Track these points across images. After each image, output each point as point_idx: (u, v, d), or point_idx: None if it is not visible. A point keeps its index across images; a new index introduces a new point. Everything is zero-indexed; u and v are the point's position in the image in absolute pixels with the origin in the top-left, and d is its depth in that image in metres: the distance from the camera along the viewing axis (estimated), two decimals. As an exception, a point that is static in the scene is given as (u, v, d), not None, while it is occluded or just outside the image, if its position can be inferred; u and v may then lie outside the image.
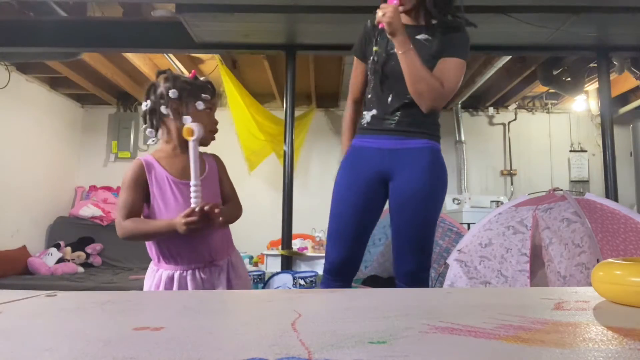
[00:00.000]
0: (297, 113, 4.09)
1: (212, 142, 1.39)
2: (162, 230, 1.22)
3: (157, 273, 1.28)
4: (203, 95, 1.32)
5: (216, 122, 1.36)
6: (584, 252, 2.29)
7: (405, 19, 1.57)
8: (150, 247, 1.30)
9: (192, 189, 1.21)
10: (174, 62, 4.25)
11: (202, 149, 1.35)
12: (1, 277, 3.99)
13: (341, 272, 1.59)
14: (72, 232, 4.87)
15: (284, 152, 3.47)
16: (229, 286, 1.29)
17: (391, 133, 1.55)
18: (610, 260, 0.70)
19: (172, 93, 1.27)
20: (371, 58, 1.60)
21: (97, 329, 0.52)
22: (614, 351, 0.41)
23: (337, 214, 1.60)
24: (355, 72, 1.73)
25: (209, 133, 1.34)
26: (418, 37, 1.55)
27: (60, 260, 4.49)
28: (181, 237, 1.21)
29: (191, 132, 1.23)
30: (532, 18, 2.90)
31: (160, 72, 1.35)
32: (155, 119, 1.33)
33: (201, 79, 1.36)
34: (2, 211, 4.29)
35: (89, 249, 4.76)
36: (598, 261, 2.07)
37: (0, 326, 0.54)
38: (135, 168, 1.27)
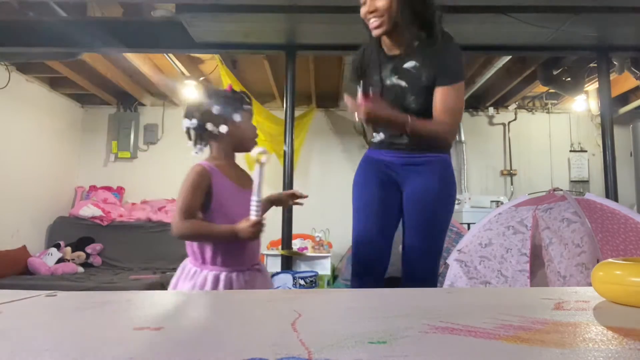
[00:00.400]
0: (297, 113, 4.09)
1: (261, 151, 1.47)
2: (225, 235, 1.29)
3: (200, 274, 1.33)
4: (244, 106, 1.40)
5: (255, 129, 1.44)
6: (584, 252, 2.29)
7: (389, 47, 1.53)
8: (195, 249, 1.34)
9: (254, 204, 1.27)
10: (174, 62, 4.24)
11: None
12: (1, 277, 3.98)
13: (368, 268, 1.59)
14: (72, 232, 4.86)
15: (284, 152, 3.48)
16: (261, 288, 1.38)
17: (402, 150, 1.55)
18: (610, 260, 0.70)
19: (216, 110, 1.35)
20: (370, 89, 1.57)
21: (97, 329, 0.52)
22: (614, 351, 0.41)
23: (357, 209, 1.62)
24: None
25: (251, 141, 1.43)
26: (406, 66, 1.50)
27: (60, 260, 4.49)
28: (235, 242, 1.31)
29: (262, 158, 1.29)
30: (532, 18, 2.90)
31: (203, 86, 1.45)
32: (204, 135, 1.39)
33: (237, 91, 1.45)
34: (2, 211, 4.29)
35: (89, 249, 4.76)
36: (598, 261, 2.07)
37: (0, 326, 0.54)
38: (200, 172, 1.32)
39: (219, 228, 1.30)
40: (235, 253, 1.34)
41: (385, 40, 1.54)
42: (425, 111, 1.47)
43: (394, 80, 1.51)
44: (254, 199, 1.26)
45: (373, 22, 1.46)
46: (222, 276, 1.32)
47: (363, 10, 1.48)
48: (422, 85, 1.47)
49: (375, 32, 1.48)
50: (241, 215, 1.28)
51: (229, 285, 1.31)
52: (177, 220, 1.28)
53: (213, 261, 1.33)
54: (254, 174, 1.29)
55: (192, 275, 1.33)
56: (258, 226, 1.26)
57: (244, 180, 1.40)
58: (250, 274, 1.36)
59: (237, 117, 1.37)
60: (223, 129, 1.36)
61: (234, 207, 1.33)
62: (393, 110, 1.44)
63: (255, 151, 1.30)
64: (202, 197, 1.31)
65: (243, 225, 1.26)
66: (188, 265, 1.37)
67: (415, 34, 1.47)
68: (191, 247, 1.36)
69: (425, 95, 1.47)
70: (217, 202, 1.32)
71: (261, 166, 1.27)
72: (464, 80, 1.54)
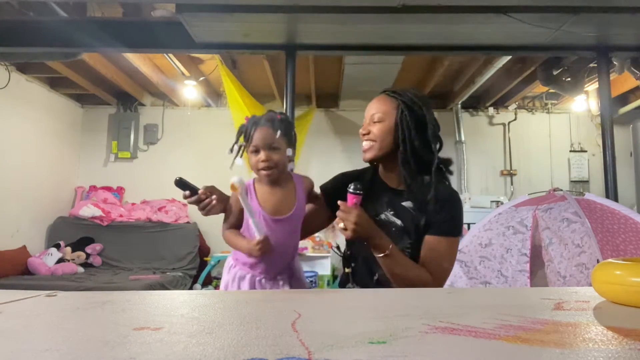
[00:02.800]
0: (297, 113, 4.09)
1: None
2: (243, 250, 1.35)
3: (233, 269, 1.40)
4: (239, 143, 1.39)
5: (260, 160, 1.36)
6: (584, 252, 2.29)
7: (386, 177, 1.40)
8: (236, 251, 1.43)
9: (251, 225, 1.29)
10: (174, 62, 4.24)
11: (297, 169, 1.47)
12: (1, 277, 3.99)
13: None
14: (72, 232, 4.87)
15: (284, 152, 3.47)
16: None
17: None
18: (610, 260, 0.70)
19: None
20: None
21: (97, 329, 0.52)
22: (614, 351, 0.41)
23: None
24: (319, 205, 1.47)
25: (253, 168, 1.41)
26: (404, 204, 1.33)
27: (60, 261, 4.49)
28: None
29: (233, 187, 1.29)
30: (532, 18, 2.90)
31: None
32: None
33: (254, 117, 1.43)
34: (2, 211, 4.29)
35: (89, 249, 4.76)
36: (598, 261, 2.07)
37: (0, 326, 0.54)
38: (243, 187, 1.36)
39: (240, 244, 1.36)
40: (253, 261, 1.38)
41: (382, 170, 1.41)
42: (417, 258, 1.30)
43: (390, 215, 1.33)
44: (250, 221, 1.30)
45: (364, 144, 1.36)
46: (248, 277, 1.37)
47: (360, 130, 1.39)
48: (420, 230, 1.29)
49: (363, 156, 1.38)
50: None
51: (252, 287, 1.37)
52: (223, 228, 1.41)
53: (241, 264, 1.40)
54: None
55: (229, 268, 1.42)
56: (262, 244, 1.28)
57: (281, 206, 1.36)
58: (275, 282, 1.38)
59: (249, 147, 1.37)
60: (238, 154, 1.39)
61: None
62: (376, 228, 1.24)
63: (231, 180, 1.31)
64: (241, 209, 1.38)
65: (250, 245, 1.31)
66: (230, 258, 1.44)
67: (412, 172, 1.31)
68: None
69: (421, 242, 1.29)
70: (245, 219, 1.38)
71: (242, 198, 1.28)
72: (460, 237, 1.36)
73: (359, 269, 1.38)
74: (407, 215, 1.31)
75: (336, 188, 1.42)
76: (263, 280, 1.38)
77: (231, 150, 1.41)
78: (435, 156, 1.32)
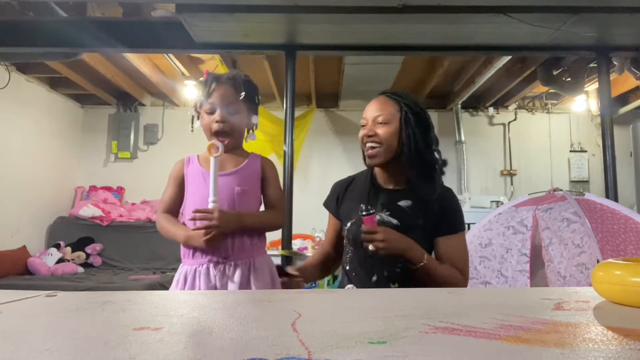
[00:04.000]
0: (297, 113, 4.08)
1: (212, 142, 1.38)
2: (177, 239, 1.25)
3: (180, 270, 1.29)
4: (202, 97, 1.30)
5: (216, 118, 1.27)
6: (584, 252, 2.29)
7: (382, 179, 1.41)
8: (181, 245, 1.32)
9: (209, 205, 1.19)
10: (174, 62, 4.24)
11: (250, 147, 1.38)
12: (1, 277, 3.99)
13: None
14: (72, 232, 4.87)
15: (284, 152, 3.47)
16: (246, 288, 1.26)
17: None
18: (610, 260, 0.70)
19: (195, 97, 1.36)
20: (348, 224, 1.39)
21: (97, 329, 0.52)
22: (614, 351, 0.41)
23: None
24: (329, 220, 1.52)
25: (206, 129, 1.29)
26: (401, 203, 1.35)
27: (60, 261, 4.49)
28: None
29: (211, 150, 1.20)
30: (532, 18, 2.89)
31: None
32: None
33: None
34: (2, 211, 4.29)
35: (89, 249, 4.76)
36: (598, 261, 2.07)
37: (0, 326, 0.54)
38: (177, 164, 1.31)
39: (174, 230, 1.25)
40: (191, 248, 1.26)
41: (378, 171, 1.42)
42: None
43: (384, 216, 1.34)
44: (210, 199, 1.18)
45: (369, 149, 1.34)
46: (191, 270, 1.26)
47: (362, 132, 1.36)
48: (417, 228, 1.31)
49: (369, 162, 1.36)
50: (200, 206, 1.20)
51: (198, 279, 1.24)
52: (157, 213, 1.31)
53: (189, 256, 1.28)
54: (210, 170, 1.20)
55: (177, 273, 1.31)
56: (211, 233, 1.16)
57: (226, 168, 1.28)
58: (226, 268, 1.25)
59: (204, 104, 1.27)
60: (196, 116, 1.31)
61: (194, 196, 1.26)
62: (406, 237, 1.25)
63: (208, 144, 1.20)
64: (177, 188, 1.29)
65: (196, 232, 1.19)
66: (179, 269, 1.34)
67: (414, 174, 1.33)
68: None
69: (420, 240, 1.29)
70: (187, 192, 1.28)
71: (214, 160, 1.17)
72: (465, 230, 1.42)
73: (358, 272, 1.39)
74: (404, 214, 1.33)
75: (336, 196, 1.47)
76: (210, 268, 1.23)
77: (194, 111, 1.32)
78: (439, 157, 1.36)
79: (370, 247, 1.21)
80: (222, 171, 1.25)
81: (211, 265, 1.24)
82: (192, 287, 1.23)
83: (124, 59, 4.16)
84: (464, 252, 1.35)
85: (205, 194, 1.21)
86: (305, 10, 2.93)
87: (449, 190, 1.40)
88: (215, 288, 1.23)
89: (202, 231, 1.18)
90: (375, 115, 1.35)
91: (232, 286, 1.24)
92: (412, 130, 1.32)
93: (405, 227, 1.30)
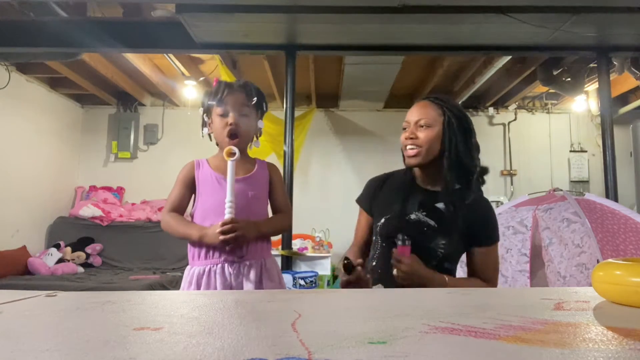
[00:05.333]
0: (297, 113, 4.09)
1: (213, 143, 1.43)
2: (191, 237, 1.28)
3: (190, 271, 1.32)
4: (209, 102, 1.36)
5: (228, 125, 1.33)
6: (584, 252, 2.29)
7: (421, 178, 1.42)
8: (188, 247, 1.35)
9: (227, 204, 1.25)
10: (174, 62, 4.24)
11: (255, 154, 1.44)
12: (1, 277, 3.99)
13: None
14: (72, 232, 4.87)
15: (284, 152, 3.47)
16: (260, 287, 1.31)
17: None
18: (610, 260, 0.70)
19: (203, 104, 1.38)
20: (382, 220, 1.40)
21: (97, 329, 0.52)
22: (614, 351, 0.41)
23: None
24: (360, 216, 1.54)
25: (220, 136, 1.36)
26: (438, 205, 1.36)
27: (60, 261, 4.49)
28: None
29: (230, 153, 1.27)
30: (532, 18, 2.90)
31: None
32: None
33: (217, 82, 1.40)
34: (2, 211, 4.29)
35: (89, 249, 4.76)
36: (598, 261, 2.07)
37: (0, 326, 0.54)
38: (187, 166, 1.36)
39: (187, 229, 1.28)
40: (206, 247, 1.30)
41: (417, 171, 1.43)
42: (449, 258, 1.36)
43: (420, 216, 1.35)
44: (227, 199, 1.24)
45: (410, 149, 1.36)
46: (206, 270, 1.29)
47: (403, 135, 1.39)
48: (454, 231, 1.33)
49: (409, 161, 1.38)
50: (215, 209, 1.26)
51: (213, 279, 1.27)
52: (163, 212, 1.34)
53: (200, 256, 1.31)
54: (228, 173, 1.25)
55: (186, 276, 1.33)
56: (228, 232, 1.21)
57: (238, 174, 1.33)
58: (241, 267, 1.29)
59: (216, 110, 1.34)
60: (206, 122, 1.37)
61: (209, 200, 1.31)
62: (429, 269, 1.27)
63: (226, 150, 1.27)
64: (185, 189, 1.34)
65: (211, 230, 1.23)
66: (186, 268, 1.36)
67: (453, 177, 1.34)
68: (188, 246, 1.36)
69: (455, 243, 1.33)
70: (199, 195, 1.33)
71: (232, 163, 1.24)
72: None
73: (386, 268, 1.38)
74: (441, 216, 1.35)
75: (371, 194, 1.48)
76: (226, 267, 1.27)
77: (203, 114, 1.37)
78: (478, 164, 1.38)
79: (394, 272, 1.25)
80: (236, 177, 1.31)
81: (227, 264, 1.29)
82: (208, 287, 1.27)
83: (124, 59, 4.16)
84: (496, 263, 1.39)
85: (221, 197, 1.26)
86: (305, 10, 2.93)
87: (485, 199, 1.41)
88: (231, 287, 1.27)
89: (217, 228, 1.22)
90: (417, 118, 1.37)
91: (248, 285, 1.28)
92: (453, 134, 1.34)
93: (442, 229, 1.33)
